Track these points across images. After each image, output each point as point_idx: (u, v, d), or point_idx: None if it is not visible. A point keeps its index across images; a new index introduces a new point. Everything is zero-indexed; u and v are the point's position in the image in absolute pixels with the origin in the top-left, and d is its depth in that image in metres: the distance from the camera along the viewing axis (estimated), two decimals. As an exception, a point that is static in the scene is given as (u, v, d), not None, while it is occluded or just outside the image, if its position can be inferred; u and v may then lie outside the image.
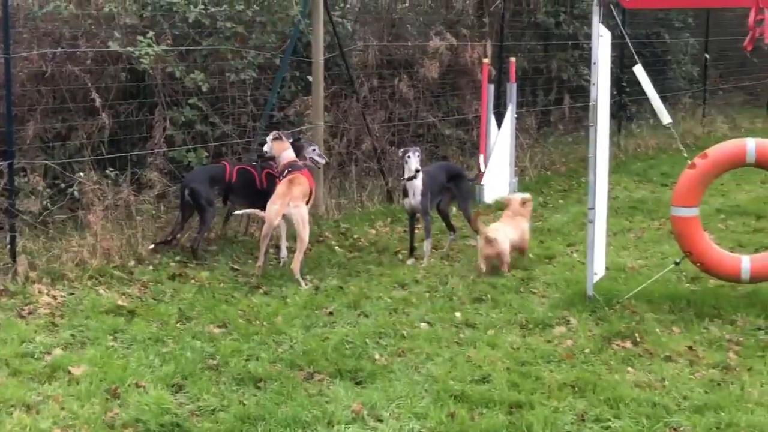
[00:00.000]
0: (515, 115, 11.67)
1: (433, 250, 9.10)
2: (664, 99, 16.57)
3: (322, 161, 9.27)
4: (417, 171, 8.60)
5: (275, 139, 8.60)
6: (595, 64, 7.09)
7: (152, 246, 8.53)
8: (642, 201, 11.55)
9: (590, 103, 7.14)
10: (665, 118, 7.25)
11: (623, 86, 15.56)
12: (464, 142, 12.99)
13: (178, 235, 8.77)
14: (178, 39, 9.72)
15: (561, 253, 9.11)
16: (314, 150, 9.12)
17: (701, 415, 5.32)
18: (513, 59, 11.85)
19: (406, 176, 8.73)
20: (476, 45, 13.16)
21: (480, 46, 13.20)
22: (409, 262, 8.72)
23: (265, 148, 8.74)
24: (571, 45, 15.20)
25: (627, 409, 5.38)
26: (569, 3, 15.05)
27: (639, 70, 7.24)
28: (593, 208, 7.22)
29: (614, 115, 15.71)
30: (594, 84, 7.10)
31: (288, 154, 8.54)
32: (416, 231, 9.18)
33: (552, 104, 14.93)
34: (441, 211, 9.22)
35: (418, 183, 8.68)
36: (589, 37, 15.07)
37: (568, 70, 15.12)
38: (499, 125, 11.58)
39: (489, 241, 8.29)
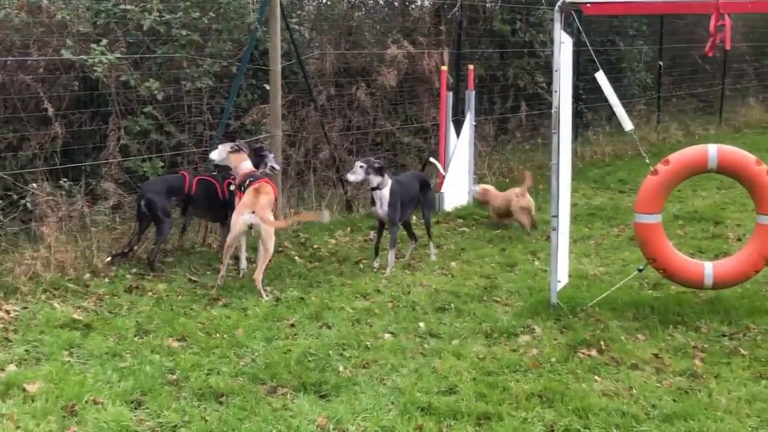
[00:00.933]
0: (474, 123, 11.62)
1: (396, 259, 9.02)
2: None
3: (279, 168, 9.16)
4: (356, 182, 8.71)
5: (233, 151, 8.43)
6: (557, 71, 7.05)
7: (109, 258, 8.34)
8: (600, 208, 11.57)
9: (552, 110, 7.09)
10: (627, 124, 7.23)
11: (579, 93, 15.60)
12: (423, 150, 12.91)
13: (135, 247, 8.60)
14: (132, 47, 9.54)
15: (522, 261, 9.07)
16: (273, 157, 9.04)
17: (670, 424, 5.29)
18: (471, 67, 11.81)
19: (370, 186, 8.66)
20: (433, 53, 13.11)
21: (437, 54, 13.15)
22: (375, 264, 8.75)
23: (214, 155, 8.54)
24: (527, 53, 15.21)
25: (596, 418, 5.33)
26: (525, 11, 15.06)
27: (601, 77, 7.20)
28: (556, 216, 7.18)
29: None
30: (556, 91, 7.06)
31: (246, 165, 8.39)
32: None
33: (509, 112, 14.91)
34: (405, 222, 9.15)
35: (384, 193, 8.60)
36: (545, 44, 15.32)
37: (524, 77, 15.11)
38: (457, 133, 11.52)
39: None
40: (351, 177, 8.70)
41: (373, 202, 8.79)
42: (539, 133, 15.07)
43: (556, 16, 7.03)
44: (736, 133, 19.36)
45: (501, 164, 13.51)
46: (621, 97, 16.68)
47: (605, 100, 7.43)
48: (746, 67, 22.63)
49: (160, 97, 9.44)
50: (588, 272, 8.48)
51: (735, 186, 12.67)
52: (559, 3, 7.02)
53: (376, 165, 8.61)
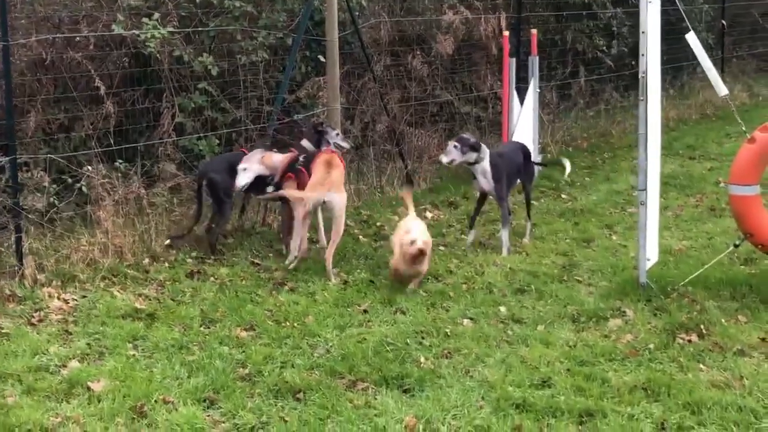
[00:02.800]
0: (538, 90, 11.10)
1: (463, 236, 8.61)
2: (680, 68, 16.38)
3: (347, 146, 8.71)
4: (450, 163, 8.10)
5: (263, 158, 7.98)
6: (644, 33, 6.57)
7: (167, 242, 8.00)
8: (672, 176, 11.03)
9: (640, 76, 6.60)
10: (722, 89, 6.74)
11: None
12: (481, 119, 12.44)
13: (194, 228, 8.24)
14: (184, 20, 9.17)
15: (599, 236, 8.64)
16: (337, 134, 8.59)
17: (793, 418, 4.82)
18: (534, 31, 11.26)
19: (468, 162, 8.16)
20: (490, 17, 12.58)
21: (494, 19, 12.62)
22: (468, 239, 8.35)
23: (242, 181, 7.93)
24: (585, 15, 14.60)
25: (710, 414, 4.89)
26: (583, -30, 14.48)
27: (693, 39, 6.73)
28: (645, 190, 6.71)
29: (634, 87, 15.21)
30: (643, 54, 6.58)
31: (277, 158, 8.00)
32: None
33: (568, 77, 14.35)
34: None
35: (485, 166, 8.10)
36: (604, 6, 14.73)
37: (583, 41, 14.53)
38: (520, 101, 11.01)
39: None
40: (444, 158, 8.18)
41: (474, 177, 8.29)
42: (601, 99, 14.50)
43: (643, -26, 6.53)
44: (801, 95, 18.63)
45: (564, 132, 13.00)
46: (683, 58, 16.45)
47: (666, 62, 6.93)
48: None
49: (214, 72, 9.06)
50: (672, 247, 8.02)
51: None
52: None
53: (471, 141, 8.12)
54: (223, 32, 9.38)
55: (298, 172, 7.99)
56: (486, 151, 8.16)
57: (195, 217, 8.22)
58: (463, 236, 8.67)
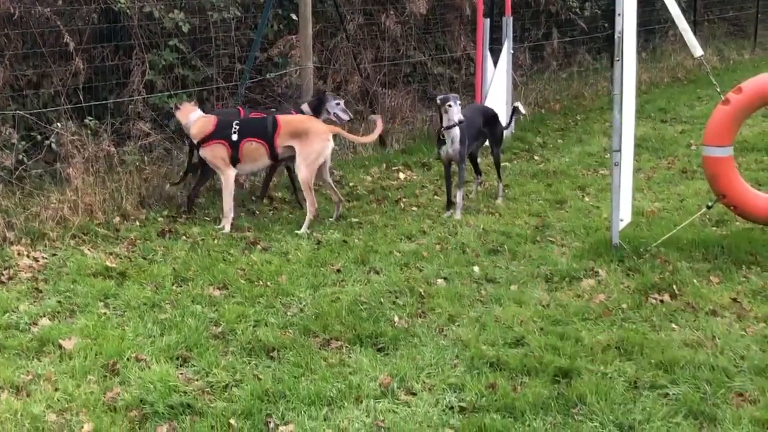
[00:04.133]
0: (512, 51, 11.05)
1: (436, 196, 8.60)
2: (652, 31, 16.37)
3: (346, 117, 8.53)
4: (460, 122, 7.85)
5: (176, 108, 7.95)
6: (620, -7, 6.51)
7: (170, 185, 8.24)
8: (644, 138, 11.04)
9: (615, 36, 6.56)
10: (697, 50, 6.74)
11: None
12: (455, 81, 12.38)
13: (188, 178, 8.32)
14: (155, -23, 9.01)
15: (572, 198, 8.64)
16: (338, 104, 8.47)
17: (764, 377, 4.85)
18: (508, -9, 11.20)
19: (444, 125, 7.99)
20: (465, -24, 12.49)
21: (469, -22, 12.53)
22: (446, 215, 8.08)
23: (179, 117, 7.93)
24: (559, -25, 14.55)
25: (683, 373, 4.90)
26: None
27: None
28: (619, 150, 6.70)
29: (607, 49, 15.19)
30: (619, 14, 6.53)
31: (195, 114, 7.86)
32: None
33: (541, 39, 14.30)
34: (471, 154, 8.55)
35: (456, 132, 7.98)
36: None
37: (556, 2, 14.46)
38: (494, 62, 10.96)
39: None
40: (457, 116, 7.85)
41: (441, 143, 8.11)
42: (574, 61, 14.48)
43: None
44: (771, 58, 18.71)
45: (537, 94, 12.97)
46: (654, 21, 16.44)
47: (639, 24, 6.90)
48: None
49: (185, 29, 8.95)
50: (645, 209, 8.02)
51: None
52: None
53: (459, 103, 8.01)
54: (195, -11, 9.25)
55: None
56: (457, 120, 7.99)
57: (188, 166, 8.25)
58: (436, 197, 8.65)
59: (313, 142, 7.63)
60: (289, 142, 7.68)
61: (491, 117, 8.67)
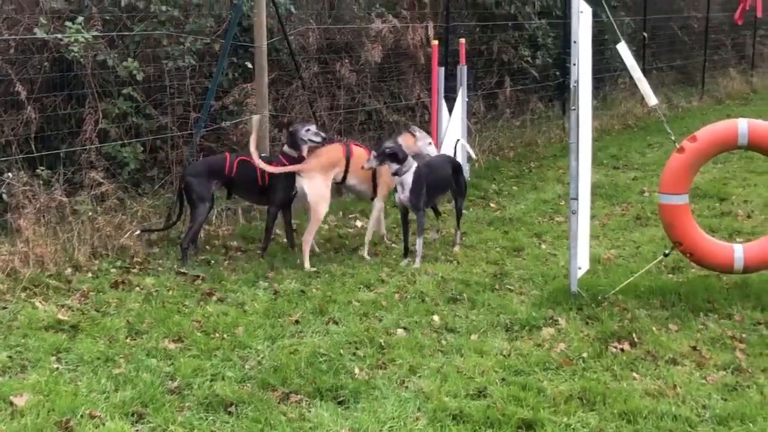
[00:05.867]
0: (467, 99, 11.10)
1: (394, 245, 8.57)
2: (602, 79, 16.59)
3: (318, 139, 8.35)
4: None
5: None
6: (575, 42, 6.56)
7: (138, 232, 8.16)
8: (598, 185, 11.10)
9: (571, 85, 6.61)
10: (652, 99, 6.81)
11: (567, 66, 15.13)
12: (409, 128, 12.33)
13: (169, 229, 8.41)
14: (108, 24, 8.96)
15: (529, 245, 8.64)
16: (308, 130, 8.34)
17: (727, 427, 4.85)
18: (462, 40, 11.27)
19: (392, 171, 8.06)
20: (418, 27, 12.57)
21: (422, 28, 12.62)
22: (404, 263, 8.02)
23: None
24: (511, 25, 14.71)
25: (646, 423, 4.87)
26: (509, -19, 14.59)
27: (623, 48, 6.75)
28: (576, 198, 6.72)
29: (558, 97, 15.37)
30: (574, 64, 6.58)
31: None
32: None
33: (494, 87, 14.41)
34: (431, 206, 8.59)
35: (406, 178, 7.99)
36: (529, 17, 14.85)
37: (508, 51, 14.63)
38: (449, 110, 10.99)
39: None
40: (366, 164, 8.14)
41: (395, 189, 8.19)
42: (527, 109, 14.60)
43: (574, -17, 6.54)
44: (718, 104, 19.06)
45: (491, 142, 13.04)
46: (605, 69, 16.66)
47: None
48: (724, 38, 22.23)
49: (139, 77, 8.89)
50: (601, 256, 8.04)
51: (731, 160, 12.43)
52: (576, -30, 6.52)
53: (388, 150, 8.02)
54: (148, 37, 9.20)
55: None
56: (411, 165, 8.05)
57: (176, 217, 8.29)
58: (394, 245, 8.61)
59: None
60: None
61: (457, 168, 8.67)
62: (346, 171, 8.46)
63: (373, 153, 8.14)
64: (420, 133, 8.99)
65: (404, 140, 8.66)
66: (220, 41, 9.59)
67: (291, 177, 8.15)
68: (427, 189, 8.07)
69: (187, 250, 7.97)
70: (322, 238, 8.88)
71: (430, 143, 8.95)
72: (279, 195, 8.23)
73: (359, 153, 8.48)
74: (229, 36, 9.30)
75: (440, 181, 8.36)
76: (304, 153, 8.25)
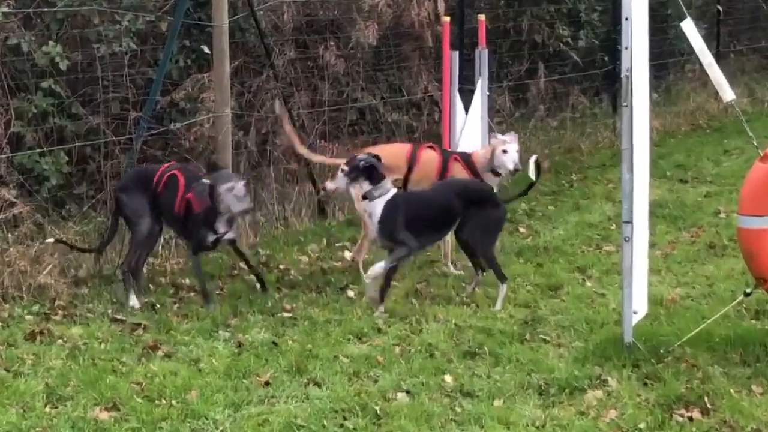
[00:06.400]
0: (488, 93, 11.14)
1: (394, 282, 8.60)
2: (664, 66, 16.66)
3: (239, 208, 8.02)
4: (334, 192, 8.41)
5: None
6: (627, 19, 6.60)
7: (52, 240, 8.38)
8: (660, 204, 11.15)
9: (623, 75, 6.64)
10: (727, 92, 6.84)
11: (617, 50, 15.20)
12: (414, 130, 12.48)
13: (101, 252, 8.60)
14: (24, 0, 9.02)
15: (570, 282, 8.70)
16: (230, 189, 7.96)
17: None
18: (482, 17, 11.31)
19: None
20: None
21: (430, 1, 12.70)
22: (378, 313, 7.97)
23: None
24: (546, -3, 14.83)
25: None
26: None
27: (689, 27, 6.80)
28: (630, 222, 6.74)
29: (607, 89, 15.44)
30: (627, 47, 6.61)
31: None
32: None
33: (524, 77, 14.47)
34: (465, 243, 8.43)
35: (375, 205, 7.96)
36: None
37: (542, 30, 14.73)
38: (465, 107, 11.03)
39: None
40: (329, 185, 8.26)
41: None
42: (566, 104, 14.66)
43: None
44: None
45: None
46: (667, 54, 16.75)
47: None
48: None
49: (63, 66, 9.00)
50: (664, 296, 8.08)
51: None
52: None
53: (362, 164, 8.00)
54: (75, 14, 9.30)
55: None
56: (388, 188, 8.04)
57: (107, 237, 8.50)
58: (394, 282, 8.62)
59: None
60: None
61: (478, 198, 8.36)
62: (406, 179, 8.71)
63: (343, 167, 8.11)
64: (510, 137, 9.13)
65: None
66: (168, 19, 9.68)
67: (212, 216, 8.03)
68: (411, 227, 7.99)
69: (129, 278, 8.02)
70: (301, 274, 8.92)
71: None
72: (194, 239, 8.20)
73: (428, 158, 8.71)
74: (180, 12, 9.38)
75: (436, 216, 8.23)
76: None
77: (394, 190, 8.14)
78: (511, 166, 8.92)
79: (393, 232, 8.01)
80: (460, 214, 8.20)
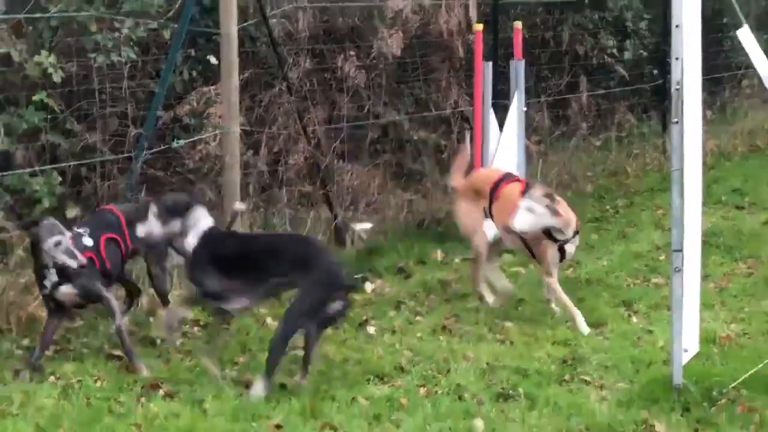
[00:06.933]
0: (524, 109, 11.20)
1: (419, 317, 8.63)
2: (719, 81, 16.66)
3: (70, 262, 7.46)
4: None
5: None
6: (678, 27, 6.64)
7: None
8: (714, 233, 11.18)
9: (673, 89, 6.68)
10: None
11: (668, 62, 15.23)
12: (443, 150, 12.51)
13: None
14: (14, 5, 9.12)
15: (614, 317, 8.74)
16: (58, 244, 7.45)
17: None
18: (518, 25, 11.40)
19: None
20: (454, 4, 12.71)
21: (460, 7, 12.75)
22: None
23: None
24: (588, 4, 14.86)
25: None
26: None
27: (746, 35, 6.84)
28: (680, 250, 6.76)
29: (656, 106, 15.45)
30: (678, 58, 6.65)
31: None
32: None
33: (566, 92, 14.51)
34: None
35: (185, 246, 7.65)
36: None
37: (585, 41, 14.78)
38: (500, 124, 11.09)
39: None
40: (139, 231, 7.71)
41: None
42: (611, 123, 14.67)
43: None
44: None
45: (560, 168, 13.11)
46: (723, 67, 16.75)
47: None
48: None
49: (57, 78, 9.02)
50: (717, 333, 8.09)
51: None
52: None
53: (172, 204, 7.63)
54: (70, 21, 9.35)
55: None
56: (195, 226, 7.67)
57: None
58: (419, 318, 8.67)
59: None
60: None
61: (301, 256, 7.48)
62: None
63: (153, 207, 7.67)
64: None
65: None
66: (171, 26, 9.73)
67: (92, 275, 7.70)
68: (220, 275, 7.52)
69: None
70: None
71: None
72: None
73: (509, 191, 8.85)
74: (185, 19, 9.45)
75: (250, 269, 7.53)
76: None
77: (207, 228, 7.64)
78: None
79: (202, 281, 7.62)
80: None
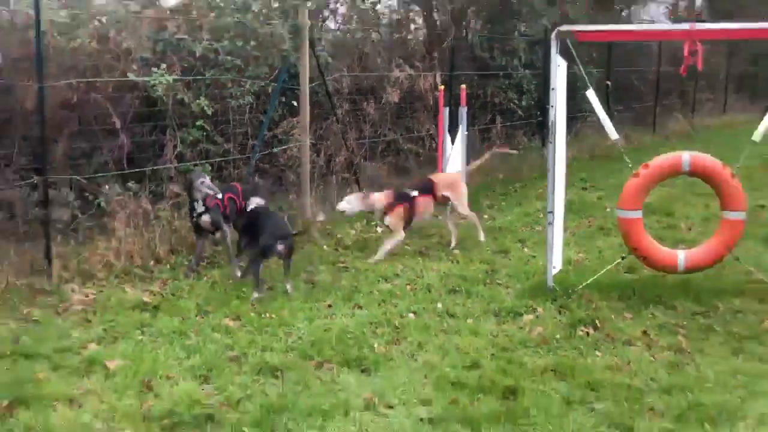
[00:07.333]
0: (466, 133, 11.08)
1: (407, 246, 8.55)
2: (574, 119, 16.49)
3: (211, 191, 7.30)
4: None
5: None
6: (553, 89, 6.58)
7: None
8: (571, 202, 10.97)
9: (549, 123, 6.62)
10: (613, 134, 6.81)
11: (546, 108, 15.08)
12: (419, 155, 12.43)
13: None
14: (186, 71, 9.00)
15: (514, 248, 8.61)
16: (203, 182, 7.33)
17: (669, 395, 4.83)
18: (463, 86, 11.24)
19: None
20: (428, 75, 12.59)
21: (431, 76, 12.63)
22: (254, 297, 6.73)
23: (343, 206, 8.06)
24: (502, 74, 14.70)
25: (606, 391, 4.87)
26: (501, 41, 14.61)
27: (591, 94, 6.75)
28: (552, 212, 6.73)
29: (538, 132, 15.34)
30: (552, 106, 6.59)
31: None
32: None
33: (488, 123, 14.38)
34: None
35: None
36: (516, 68, 14.83)
37: (500, 95, 14.62)
38: (452, 141, 10.97)
39: None
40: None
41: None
42: (515, 141, 14.55)
43: (553, 42, 6.55)
44: (666, 140, 18.88)
45: (486, 167, 12.95)
46: (576, 110, 16.58)
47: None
48: (671, 87, 22.10)
49: (209, 112, 8.92)
50: (572, 258, 8.02)
51: (676, 184, 12.35)
52: (555, 31, 6.54)
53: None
54: (217, 80, 9.22)
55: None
56: (251, 203, 7.34)
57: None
58: (407, 247, 8.58)
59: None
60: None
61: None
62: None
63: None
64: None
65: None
66: (272, 84, 9.63)
67: (219, 213, 7.43)
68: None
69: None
70: (350, 240, 8.90)
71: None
72: None
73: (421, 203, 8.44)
74: (280, 80, 9.37)
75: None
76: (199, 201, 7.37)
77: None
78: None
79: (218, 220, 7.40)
80: None
